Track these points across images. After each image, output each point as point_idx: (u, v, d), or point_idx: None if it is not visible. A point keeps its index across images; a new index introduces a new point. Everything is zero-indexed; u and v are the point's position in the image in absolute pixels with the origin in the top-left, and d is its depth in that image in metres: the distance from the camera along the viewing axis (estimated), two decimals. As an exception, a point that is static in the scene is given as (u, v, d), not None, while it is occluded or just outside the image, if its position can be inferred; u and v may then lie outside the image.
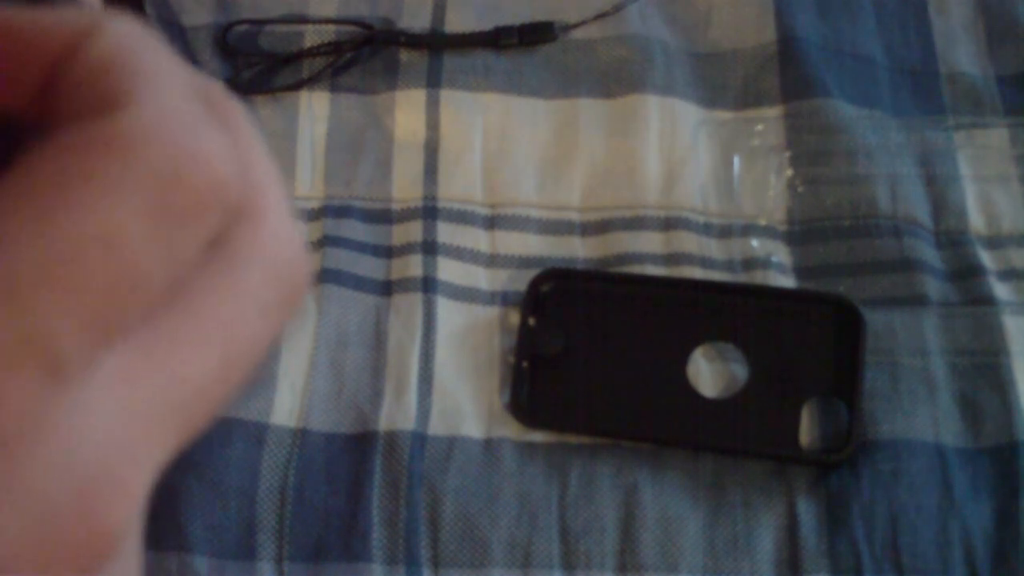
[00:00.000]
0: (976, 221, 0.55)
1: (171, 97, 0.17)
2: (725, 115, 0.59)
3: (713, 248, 0.55)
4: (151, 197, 0.16)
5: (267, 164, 0.19)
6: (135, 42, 0.18)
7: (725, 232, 0.56)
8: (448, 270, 0.55)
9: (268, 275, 0.18)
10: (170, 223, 0.17)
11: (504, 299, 0.55)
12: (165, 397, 0.17)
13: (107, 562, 0.17)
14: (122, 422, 0.17)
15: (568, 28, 0.61)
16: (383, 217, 0.57)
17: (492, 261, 0.56)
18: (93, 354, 0.16)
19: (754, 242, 0.55)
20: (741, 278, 0.54)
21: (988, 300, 0.53)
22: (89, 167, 0.16)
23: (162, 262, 0.16)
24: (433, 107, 0.59)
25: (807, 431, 0.50)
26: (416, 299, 0.54)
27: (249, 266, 0.18)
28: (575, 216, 0.57)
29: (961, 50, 0.60)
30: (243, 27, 0.62)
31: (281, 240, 0.19)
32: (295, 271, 0.19)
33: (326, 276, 0.55)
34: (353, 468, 0.51)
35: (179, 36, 0.61)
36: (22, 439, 0.15)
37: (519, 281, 0.54)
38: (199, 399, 0.18)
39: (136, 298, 0.16)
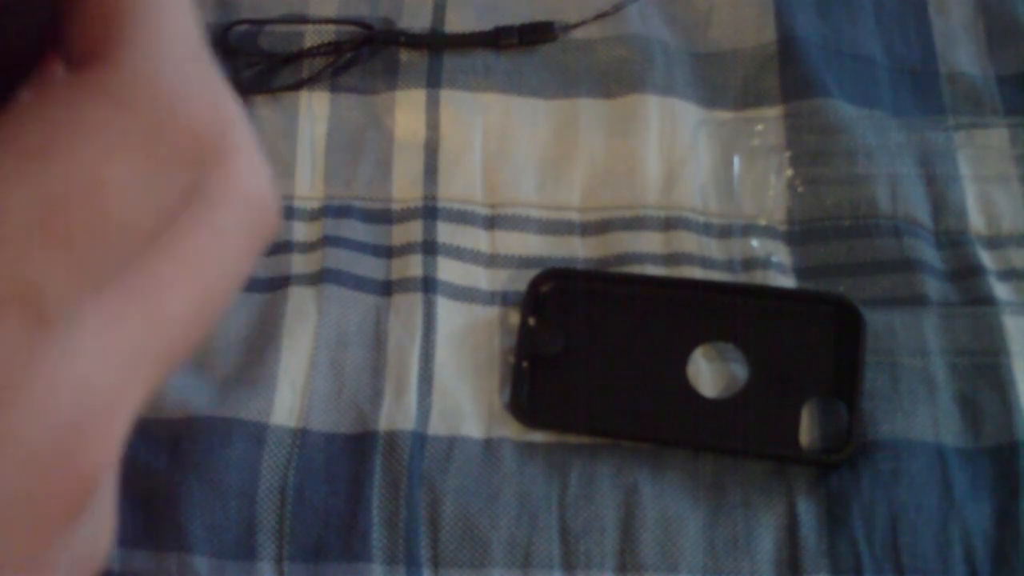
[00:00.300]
0: (976, 221, 0.55)
1: (162, 45, 0.17)
2: (725, 115, 0.59)
3: (713, 248, 0.55)
4: (137, 147, 0.16)
5: (234, 102, 0.19)
6: None
7: (725, 232, 0.56)
8: (448, 270, 0.55)
9: (240, 214, 0.18)
10: (155, 172, 0.17)
11: (504, 299, 0.55)
12: (145, 341, 0.17)
13: (85, 508, 0.17)
14: (104, 368, 0.17)
15: (568, 28, 0.61)
16: (383, 217, 0.57)
17: (492, 261, 0.56)
18: (78, 301, 0.16)
19: (754, 242, 0.55)
20: (741, 278, 0.54)
21: (988, 300, 0.53)
22: (77, 116, 0.16)
23: (146, 210, 0.17)
24: (433, 107, 0.59)
25: (807, 431, 0.50)
26: (416, 299, 0.54)
27: (222, 206, 0.18)
28: (575, 216, 0.57)
29: (961, 50, 0.60)
30: (243, 27, 0.62)
31: (252, 178, 0.19)
32: (266, 209, 0.19)
33: (326, 276, 0.55)
34: (353, 468, 0.51)
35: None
36: (7, 387, 0.16)
37: (519, 281, 0.54)
38: (176, 341, 0.18)
39: (120, 245, 0.16)
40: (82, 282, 0.16)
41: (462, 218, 0.57)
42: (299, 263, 0.56)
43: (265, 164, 0.19)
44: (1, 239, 0.15)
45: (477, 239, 0.56)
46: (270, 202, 0.19)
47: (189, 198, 0.18)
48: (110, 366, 0.17)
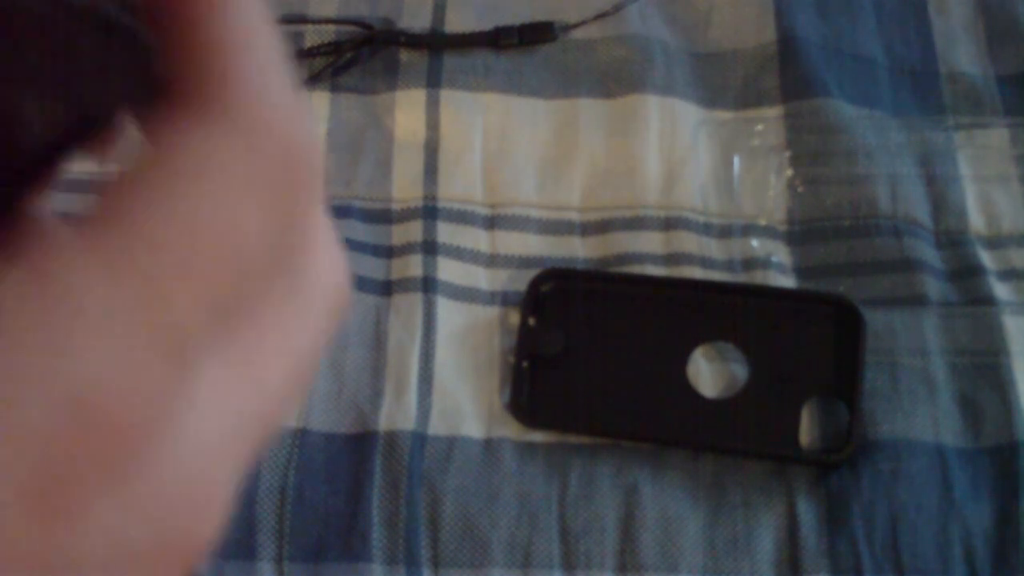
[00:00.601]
0: (976, 221, 0.55)
1: (282, 96, 0.17)
2: (725, 115, 0.59)
3: (713, 248, 0.55)
4: (267, 191, 0.17)
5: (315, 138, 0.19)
6: (253, 22, 0.17)
7: (725, 232, 0.56)
8: (448, 270, 0.55)
9: (325, 291, 0.19)
10: (279, 216, 0.17)
11: (504, 299, 0.55)
12: (250, 407, 0.17)
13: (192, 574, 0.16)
14: (218, 429, 0.16)
15: (568, 28, 0.61)
16: (383, 217, 0.57)
17: (492, 261, 0.56)
18: (214, 343, 0.16)
19: (754, 242, 0.55)
20: (741, 278, 0.54)
21: (988, 300, 0.53)
22: (204, 154, 0.16)
23: (264, 246, 0.17)
24: (433, 107, 0.59)
25: (807, 431, 0.50)
26: (416, 299, 0.54)
27: (311, 281, 0.19)
28: (575, 216, 0.57)
29: (961, 50, 0.60)
30: (243, 27, 0.62)
31: (333, 261, 0.19)
32: (341, 287, 0.19)
33: (326, 276, 0.55)
34: (353, 468, 0.51)
35: (179, 36, 0.61)
36: (151, 431, 0.15)
37: (519, 281, 0.54)
38: (274, 409, 0.18)
39: (249, 288, 0.17)
40: (217, 324, 0.16)
41: (462, 218, 0.57)
42: (299, 263, 0.56)
43: (338, 244, 0.19)
44: (150, 279, 0.15)
45: (477, 239, 0.56)
46: (345, 281, 0.19)
47: (280, 268, 0.18)
48: (222, 429, 0.16)
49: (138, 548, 0.15)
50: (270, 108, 0.17)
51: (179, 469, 0.15)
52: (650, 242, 0.55)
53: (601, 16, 0.61)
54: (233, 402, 0.17)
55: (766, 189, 0.56)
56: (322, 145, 0.59)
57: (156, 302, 0.15)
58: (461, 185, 0.57)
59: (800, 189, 0.56)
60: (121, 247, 0.15)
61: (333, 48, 0.60)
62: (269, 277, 0.17)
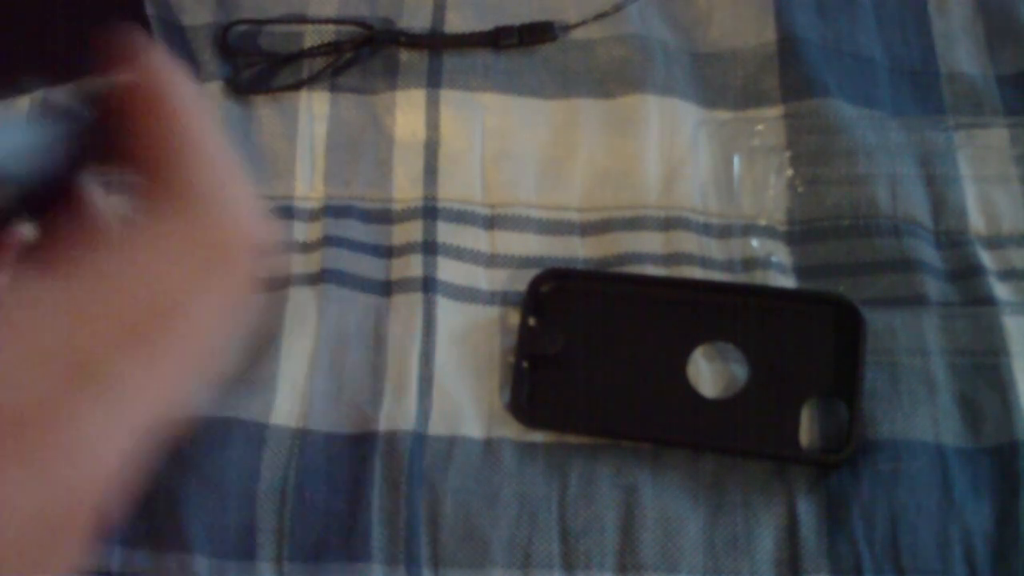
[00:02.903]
0: (976, 221, 0.55)
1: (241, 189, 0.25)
2: (725, 115, 0.59)
3: (713, 248, 0.55)
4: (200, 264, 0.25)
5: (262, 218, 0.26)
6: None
7: (725, 232, 0.56)
8: (448, 270, 0.55)
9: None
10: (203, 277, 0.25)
11: (504, 299, 0.55)
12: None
13: None
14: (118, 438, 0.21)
15: (568, 28, 0.61)
16: (383, 217, 0.57)
17: (492, 261, 0.56)
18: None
19: (754, 242, 0.55)
20: (741, 278, 0.54)
21: (988, 300, 0.53)
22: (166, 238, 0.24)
23: (187, 293, 0.26)
24: (433, 107, 0.59)
25: (807, 431, 0.50)
26: (416, 299, 0.54)
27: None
28: (575, 216, 0.57)
29: (961, 50, 0.60)
30: (243, 27, 0.62)
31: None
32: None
33: (326, 276, 0.55)
34: (353, 468, 0.51)
35: (179, 36, 0.61)
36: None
37: (519, 281, 0.54)
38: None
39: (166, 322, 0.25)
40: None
41: (462, 218, 0.57)
42: (299, 263, 0.56)
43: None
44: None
45: (477, 239, 0.56)
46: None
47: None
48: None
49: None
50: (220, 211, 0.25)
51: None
52: (650, 242, 0.55)
53: (601, 16, 0.61)
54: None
55: (766, 189, 0.56)
56: (321, 146, 0.59)
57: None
58: (461, 185, 0.57)
59: (800, 189, 0.56)
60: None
61: (333, 48, 0.60)
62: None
